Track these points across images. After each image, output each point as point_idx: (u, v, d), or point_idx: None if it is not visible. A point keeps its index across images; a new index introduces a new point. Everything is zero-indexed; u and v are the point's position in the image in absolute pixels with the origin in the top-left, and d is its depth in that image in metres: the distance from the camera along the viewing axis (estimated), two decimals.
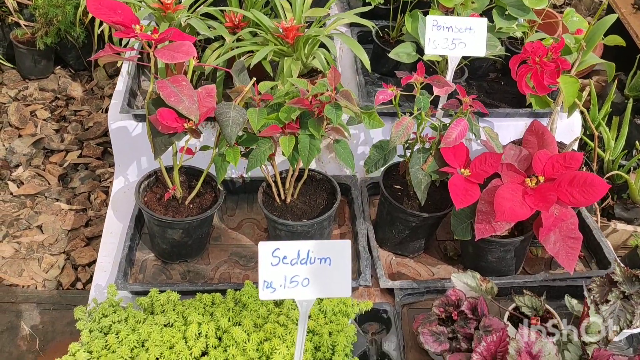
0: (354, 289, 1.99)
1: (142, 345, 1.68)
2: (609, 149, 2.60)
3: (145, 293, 1.88)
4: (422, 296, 2.00)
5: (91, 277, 2.54)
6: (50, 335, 2.43)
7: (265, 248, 1.23)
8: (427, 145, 1.94)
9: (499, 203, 1.75)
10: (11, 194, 2.88)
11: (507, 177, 1.82)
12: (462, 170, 1.84)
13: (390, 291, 2.02)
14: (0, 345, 2.34)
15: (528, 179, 1.81)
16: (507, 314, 1.82)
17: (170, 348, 1.67)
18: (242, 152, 1.92)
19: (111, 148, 2.54)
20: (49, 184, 2.95)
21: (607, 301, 1.74)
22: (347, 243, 1.23)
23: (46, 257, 2.63)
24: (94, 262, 2.53)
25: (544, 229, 1.77)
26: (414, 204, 2.04)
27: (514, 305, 1.84)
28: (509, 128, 2.35)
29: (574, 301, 1.80)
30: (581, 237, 1.82)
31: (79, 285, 2.56)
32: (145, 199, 2.03)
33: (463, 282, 1.83)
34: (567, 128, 2.37)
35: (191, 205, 2.04)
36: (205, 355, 1.66)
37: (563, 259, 1.82)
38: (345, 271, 1.23)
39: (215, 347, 1.69)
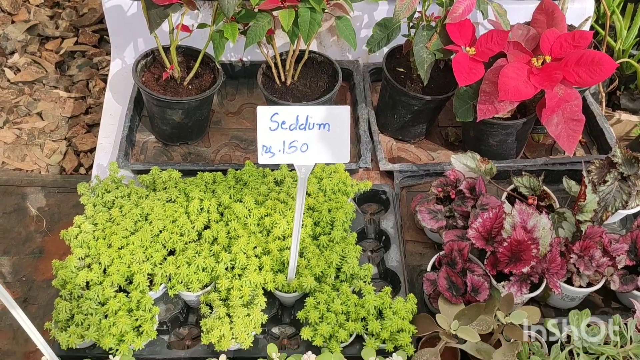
0: (353, 172, 2.00)
1: (146, 219, 1.72)
2: (620, 38, 2.51)
3: (146, 172, 1.90)
4: (421, 179, 2.02)
5: (93, 162, 2.56)
6: (56, 217, 2.48)
7: (263, 112, 1.22)
8: (432, 24, 1.88)
9: (503, 82, 1.71)
10: (8, 80, 2.84)
11: (513, 57, 1.77)
12: (467, 48, 1.79)
13: (389, 174, 2.03)
14: (9, 225, 2.40)
15: (534, 59, 1.76)
16: (504, 194, 1.85)
17: (173, 222, 1.71)
18: (241, 30, 1.86)
19: (108, 35, 2.46)
20: (46, 71, 2.90)
21: (605, 182, 1.75)
22: (346, 109, 1.22)
23: (48, 143, 2.63)
24: (95, 148, 2.54)
25: (547, 110, 1.74)
26: (416, 87, 2.01)
27: (512, 186, 1.86)
28: (519, 11, 2.26)
29: (572, 182, 1.82)
30: (583, 120, 1.80)
31: (82, 170, 2.59)
32: (143, 79, 2.00)
33: (462, 164, 1.84)
34: (578, 12, 2.28)
35: (190, 86, 2.01)
36: (208, 229, 1.71)
37: (564, 141, 1.81)
38: (344, 137, 1.23)
39: (217, 222, 1.73)
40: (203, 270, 1.61)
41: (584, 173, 1.72)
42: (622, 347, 1.50)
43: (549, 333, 1.65)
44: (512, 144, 1.98)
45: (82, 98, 2.82)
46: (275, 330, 1.69)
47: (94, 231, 1.69)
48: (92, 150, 2.67)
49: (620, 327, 1.52)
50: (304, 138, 1.23)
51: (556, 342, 1.54)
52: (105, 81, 2.86)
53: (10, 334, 2.21)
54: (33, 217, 2.52)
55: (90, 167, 2.61)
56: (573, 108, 1.79)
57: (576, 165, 2.00)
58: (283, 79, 2.01)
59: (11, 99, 2.80)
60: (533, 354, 1.52)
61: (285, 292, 1.64)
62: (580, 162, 1.99)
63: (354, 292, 1.63)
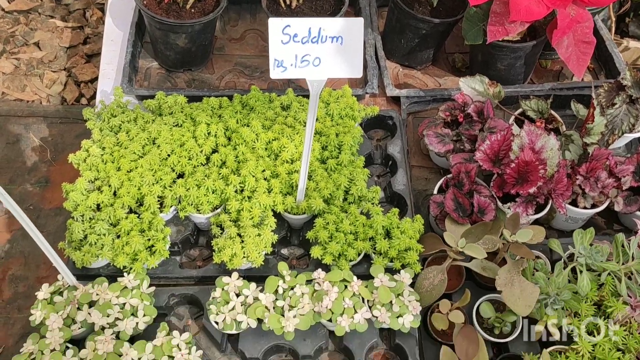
0: (360, 97, 1.99)
1: (153, 143, 1.72)
2: None
3: (151, 98, 1.88)
4: (427, 105, 2.01)
5: (95, 93, 2.53)
6: (60, 146, 2.47)
7: (275, 24, 1.19)
8: None
9: (514, 2, 1.67)
10: (3, 9, 2.76)
11: None
12: None
13: (396, 100, 2.02)
14: (13, 155, 2.39)
15: None
16: (512, 118, 1.84)
17: (180, 146, 1.71)
18: None
19: None
20: (41, 0, 2.82)
21: (613, 104, 1.74)
22: (359, 20, 1.19)
23: (47, 73, 2.59)
24: (96, 78, 2.51)
25: (558, 31, 1.71)
26: (424, 10, 1.97)
27: (519, 110, 1.85)
28: None
29: (580, 106, 1.81)
30: (594, 42, 1.78)
31: (83, 101, 2.56)
32: (145, 2, 1.94)
33: (471, 87, 1.82)
34: None
35: (192, 10, 1.96)
36: (216, 153, 1.71)
37: (574, 64, 1.79)
38: (357, 50, 1.21)
39: (224, 146, 1.72)
40: (213, 192, 1.63)
41: (593, 94, 1.71)
42: (624, 264, 1.54)
43: (552, 253, 1.70)
44: (520, 69, 1.96)
45: (79, 28, 2.76)
46: (284, 251, 1.72)
47: (102, 155, 1.69)
48: (93, 80, 2.63)
49: (623, 245, 1.55)
50: (316, 51, 1.21)
51: (559, 259, 1.58)
52: (102, 10, 2.79)
53: (21, 260, 2.25)
54: (37, 147, 2.51)
55: (92, 97, 2.58)
56: (584, 30, 1.76)
57: (584, 90, 1.99)
58: (288, 2, 1.96)
59: (7, 29, 2.73)
60: (537, 270, 1.56)
61: (294, 214, 1.66)
62: (588, 87, 1.98)
63: (362, 213, 1.66)
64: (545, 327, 1.52)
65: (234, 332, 1.49)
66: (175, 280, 1.63)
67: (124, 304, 1.48)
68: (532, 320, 1.56)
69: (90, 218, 1.58)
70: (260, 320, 1.49)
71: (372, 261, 1.58)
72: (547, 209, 1.70)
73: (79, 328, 1.47)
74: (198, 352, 1.46)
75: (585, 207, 1.70)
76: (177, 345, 1.44)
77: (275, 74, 1.22)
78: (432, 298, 1.55)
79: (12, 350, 2.06)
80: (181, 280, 1.63)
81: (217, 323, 1.49)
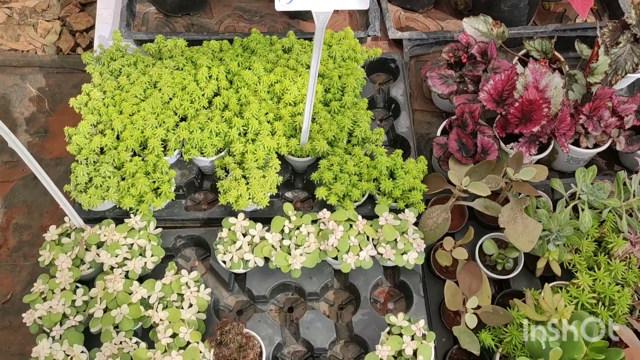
0: (362, 40, 1.97)
1: (154, 87, 1.70)
2: None
3: (150, 42, 1.85)
4: (430, 47, 1.99)
5: (91, 42, 2.49)
6: (58, 97, 2.45)
7: None
8: None
9: None
10: None
11: None
12: None
13: (398, 43, 2.00)
14: (10, 106, 2.37)
15: None
16: (516, 59, 1.83)
17: (182, 89, 1.69)
18: None
19: None
20: None
21: (618, 44, 1.73)
22: None
23: (41, 22, 2.54)
24: (92, 27, 2.46)
25: None
26: None
27: (523, 51, 1.84)
28: None
29: (584, 45, 1.80)
30: None
31: (79, 50, 2.52)
32: None
33: (474, 28, 1.81)
34: None
35: None
36: (218, 96, 1.70)
37: (578, 4, 1.77)
38: None
39: (226, 89, 1.71)
40: (216, 135, 1.62)
41: (598, 33, 1.70)
42: (625, 201, 1.56)
43: (554, 193, 1.72)
44: (523, 10, 1.94)
45: None
46: (288, 194, 1.73)
47: (103, 99, 1.67)
48: (88, 29, 2.58)
49: (624, 182, 1.57)
50: None
51: (561, 199, 1.60)
52: None
53: (24, 209, 2.25)
54: (34, 97, 2.48)
55: (88, 47, 2.54)
56: None
57: (587, 32, 1.97)
58: None
59: None
60: (539, 208, 1.57)
61: (298, 157, 1.66)
62: (591, 28, 1.97)
63: (365, 155, 1.66)
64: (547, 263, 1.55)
65: (241, 271, 1.51)
66: (182, 223, 1.64)
67: (132, 244, 1.50)
68: (534, 258, 1.58)
69: (94, 162, 1.58)
70: (267, 259, 1.51)
71: (376, 202, 1.60)
72: (550, 149, 1.71)
73: (88, 269, 1.49)
74: (207, 290, 1.48)
75: (587, 147, 1.71)
76: (186, 283, 1.46)
77: (280, 5, 1.20)
78: (436, 236, 1.57)
79: (20, 297, 2.09)
80: (187, 223, 1.64)
81: (224, 262, 1.51)
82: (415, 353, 1.38)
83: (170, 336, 1.39)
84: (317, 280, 1.54)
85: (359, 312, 1.51)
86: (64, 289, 1.44)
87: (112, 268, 1.47)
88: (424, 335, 1.41)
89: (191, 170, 1.68)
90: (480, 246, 1.60)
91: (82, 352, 1.37)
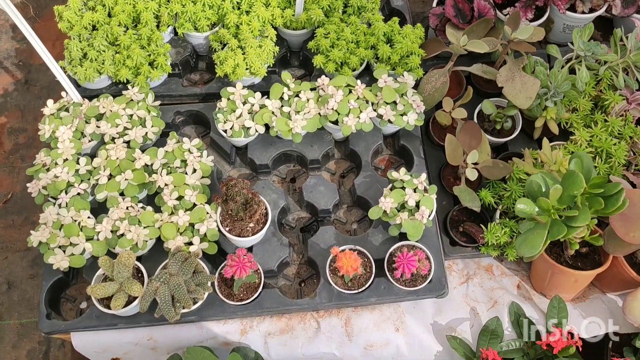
0: None
1: None
2: None
3: None
4: None
5: None
6: (42, 3, 2.40)
7: None
8: None
9: None
10: None
11: None
12: None
13: None
14: None
15: None
16: None
17: None
18: None
19: None
20: None
21: None
22: None
23: None
24: None
25: None
26: None
27: None
28: None
29: None
30: None
31: None
32: None
33: None
34: None
35: None
36: None
37: None
38: None
39: None
40: (210, 7, 1.60)
41: None
42: (622, 57, 1.56)
43: (550, 61, 1.72)
44: None
45: None
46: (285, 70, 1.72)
47: None
48: None
49: (621, 39, 1.56)
50: None
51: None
52: None
53: (18, 113, 2.23)
54: (18, 4, 2.42)
55: None
56: None
57: None
58: None
59: None
60: (537, 66, 1.58)
61: (294, 29, 1.64)
62: None
63: (362, 24, 1.64)
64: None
65: (242, 140, 1.52)
66: (179, 99, 1.63)
67: (132, 115, 1.49)
68: (531, 123, 1.60)
69: (87, 38, 1.56)
70: (267, 128, 1.52)
71: (374, 71, 1.59)
72: (546, 15, 1.70)
73: (89, 141, 1.49)
74: (210, 157, 1.49)
75: (583, 12, 1.70)
76: (189, 149, 1.46)
77: None
78: (435, 101, 1.58)
79: (20, 197, 2.10)
80: (185, 99, 1.64)
81: (225, 132, 1.51)
82: (417, 205, 1.40)
83: (176, 199, 1.40)
84: (318, 147, 1.55)
85: (361, 175, 1.53)
86: (67, 159, 1.44)
87: (113, 139, 1.47)
88: (425, 189, 1.43)
89: (186, 49, 1.66)
90: (480, 112, 1.61)
91: (89, 217, 1.38)
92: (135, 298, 1.32)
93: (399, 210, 1.40)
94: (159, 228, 1.38)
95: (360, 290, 1.37)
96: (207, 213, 1.40)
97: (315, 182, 1.52)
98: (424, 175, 1.43)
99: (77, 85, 1.58)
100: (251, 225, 1.41)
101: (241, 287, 1.37)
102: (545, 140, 1.50)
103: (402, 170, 1.44)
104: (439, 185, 1.58)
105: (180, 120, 1.61)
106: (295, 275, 1.49)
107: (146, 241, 1.37)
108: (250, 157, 1.54)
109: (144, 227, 1.37)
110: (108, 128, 1.46)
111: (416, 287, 1.38)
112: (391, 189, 1.44)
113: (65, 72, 1.51)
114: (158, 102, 1.55)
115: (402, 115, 1.51)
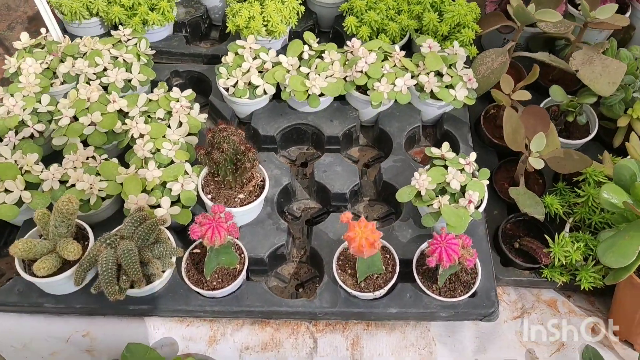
0: None
1: None
2: None
3: None
4: None
5: None
6: None
7: None
8: None
9: None
10: None
11: None
12: None
13: None
14: None
15: None
16: None
17: None
18: None
19: None
20: None
21: None
22: None
23: None
24: None
25: None
26: None
27: None
28: None
29: None
30: None
31: None
32: None
33: None
34: None
35: None
36: None
37: None
38: None
39: None
40: None
41: None
42: None
43: None
44: None
45: None
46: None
47: None
48: None
49: None
50: None
51: None
52: None
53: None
54: None
55: None
56: None
57: None
58: None
59: None
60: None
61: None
62: None
63: None
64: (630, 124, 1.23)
65: (247, 102, 1.22)
66: (180, 58, 1.37)
67: (117, 57, 1.22)
68: (608, 131, 1.27)
69: None
70: (279, 94, 1.23)
71: (416, 43, 1.31)
72: (629, 12, 1.42)
73: (61, 83, 1.22)
74: (202, 115, 1.19)
75: None
76: (177, 99, 1.17)
77: None
78: (489, 84, 1.27)
79: None
80: (187, 59, 1.37)
81: (226, 90, 1.22)
82: (463, 190, 1.05)
83: (150, 151, 1.09)
84: (340, 124, 1.24)
85: (390, 158, 1.20)
86: (27, 95, 1.16)
87: (89, 82, 1.20)
88: (474, 174, 1.09)
89: (198, 10, 1.42)
90: (546, 106, 1.29)
91: (37, 163, 1.08)
92: (71, 266, 0.97)
93: (437, 195, 1.05)
94: (121, 184, 1.05)
95: (376, 294, 0.99)
96: (187, 173, 1.08)
97: (331, 160, 1.19)
98: (473, 155, 1.09)
99: (64, 31, 1.34)
100: (241, 196, 1.08)
101: (216, 272, 1.01)
102: (633, 135, 1.15)
103: (445, 145, 1.10)
104: (489, 192, 1.23)
105: (178, 82, 1.34)
106: (292, 276, 1.12)
107: (102, 198, 1.04)
108: (254, 126, 1.23)
109: (102, 180, 1.05)
110: (85, 66, 1.19)
111: (455, 299, 0.99)
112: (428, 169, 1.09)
113: (50, 6, 1.28)
114: (153, 52, 1.29)
115: (448, 88, 1.20)
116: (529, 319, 1.12)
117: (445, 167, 1.07)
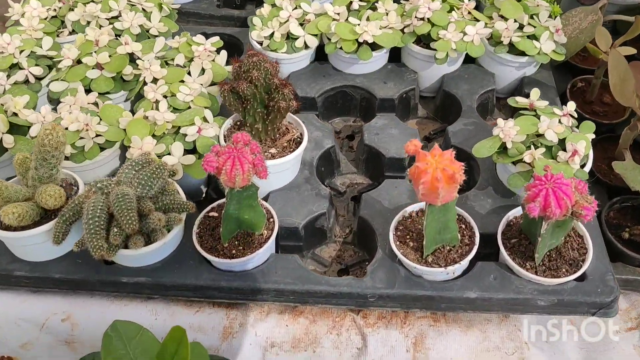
0: None
1: None
2: None
3: None
4: None
5: None
6: None
7: None
8: None
9: None
10: None
11: None
12: None
13: None
14: None
15: None
16: None
17: None
18: None
19: None
20: None
21: None
22: None
23: None
24: None
25: None
26: None
27: None
28: None
29: None
30: None
31: None
32: None
33: None
34: None
35: None
36: None
37: None
38: None
39: None
40: None
41: None
42: None
43: None
44: None
45: None
46: None
47: None
48: None
49: None
50: None
51: None
52: None
53: None
54: None
55: None
56: None
57: None
58: None
59: None
60: None
61: None
62: None
63: None
64: None
65: (284, 57, 1.02)
66: (209, 21, 1.19)
67: (134, 5, 1.05)
68: None
69: None
70: (322, 52, 1.03)
71: None
72: None
73: (69, 33, 1.05)
74: (230, 66, 0.99)
75: None
76: (202, 45, 0.98)
77: None
78: (579, 45, 1.04)
79: None
80: (217, 22, 1.19)
81: (260, 44, 1.03)
82: (562, 144, 0.80)
83: (163, 95, 0.89)
84: (395, 86, 1.02)
85: (459, 122, 0.96)
86: (30, 37, 0.99)
87: (100, 27, 1.02)
88: (572, 129, 0.84)
89: None
90: None
91: (27, 107, 0.88)
92: (51, 219, 0.75)
93: (528, 148, 0.80)
94: (124, 130, 0.84)
95: (448, 269, 0.73)
96: (206, 120, 0.86)
97: (385, 122, 0.96)
98: (572, 104, 0.85)
99: None
100: (273, 151, 0.85)
101: (236, 238, 0.77)
102: None
103: (535, 91, 0.87)
104: None
105: None
106: (333, 259, 0.87)
107: (98, 145, 0.83)
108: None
109: (101, 124, 0.84)
110: (97, 10, 1.01)
111: (559, 279, 0.72)
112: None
113: None
114: (178, 5, 1.11)
115: (531, 39, 0.98)
116: None
117: (537, 117, 0.83)
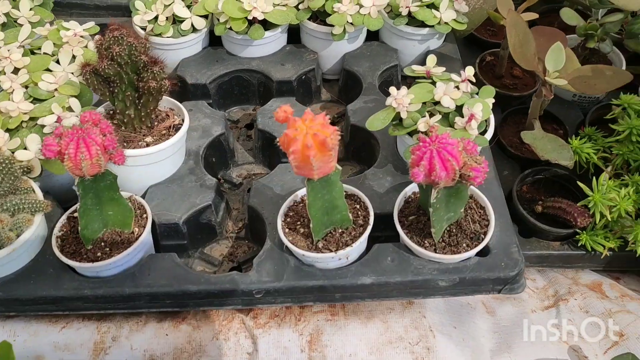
0: None
1: None
2: None
3: None
4: None
5: None
6: None
7: None
8: None
9: None
10: None
11: None
12: None
13: None
14: None
15: None
16: None
17: None
18: None
19: None
20: None
21: None
22: None
23: None
24: None
25: None
26: None
27: None
28: None
29: None
30: None
31: None
32: None
33: None
34: None
35: None
36: None
37: None
38: None
39: None
40: None
41: None
42: None
43: None
44: None
45: None
46: None
47: None
48: None
49: None
50: None
51: None
52: None
53: None
54: None
55: None
56: None
57: None
58: None
59: None
60: None
61: None
62: None
63: None
64: None
65: (170, 42, 0.93)
66: (96, 13, 1.10)
67: None
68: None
69: None
70: (213, 36, 0.94)
71: None
72: None
73: None
74: None
75: None
76: (72, 30, 0.88)
77: None
78: (482, 17, 1.00)
79: None
80: (103, 12, 1.10)
81: (143, 29, 0.94)
82: (459, 109, 0.74)
83: (23, 85, 0.79)
84: (293, 67, 0.95)
85: (360, 99, 0.90)
86: None
87: None
88: (472, 95, 0.78)
89: None
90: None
91: None
92: None
93: (423, 116, 0.74)
94: None
95: (339, 254, 0.65)
96: (71, 108, 0.77)
97: (280, 104, 0.89)
98: (470, 69, 0.79)
99: None
100: (148, 139, 0.76)
101: (103, 239, 0.68)
102: None
103: (431, 58, 0.81)
104: (496, 148, 0.92)
105: None
106: (225, 257, 0.78)
107: None
108: (180, 74, 0.94)
109: None
110: None
111: (459, 255, 0.65)
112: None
113: None
114: None
115: (430, 8, 0.92)
116: (567, 308, 0.78)
117: (434, 84, 0.77)
